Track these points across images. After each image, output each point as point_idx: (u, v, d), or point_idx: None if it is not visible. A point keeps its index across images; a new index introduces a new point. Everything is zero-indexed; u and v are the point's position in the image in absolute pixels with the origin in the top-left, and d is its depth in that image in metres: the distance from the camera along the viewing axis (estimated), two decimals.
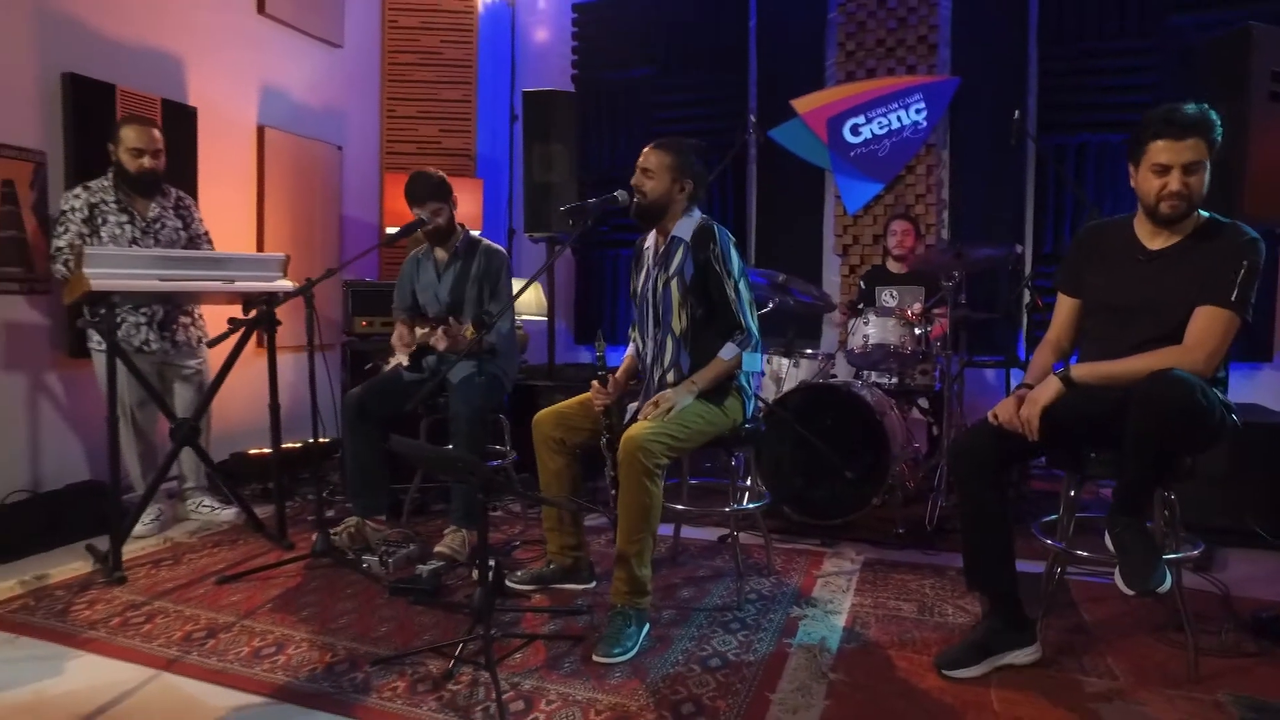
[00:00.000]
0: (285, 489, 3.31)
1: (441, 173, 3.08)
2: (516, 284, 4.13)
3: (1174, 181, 1.96)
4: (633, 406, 2.53)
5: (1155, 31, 4.35)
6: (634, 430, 2.19)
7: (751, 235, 5.26)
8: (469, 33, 5.19)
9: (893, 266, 4.37)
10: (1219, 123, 1.99)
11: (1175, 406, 1.76)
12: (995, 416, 2.04)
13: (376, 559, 2.73)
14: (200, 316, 3.38)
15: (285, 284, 2.93)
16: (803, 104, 4.97)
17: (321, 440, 2.95)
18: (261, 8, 4.22)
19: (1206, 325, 1.92)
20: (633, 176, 2.47)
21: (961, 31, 4.75)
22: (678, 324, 2.43)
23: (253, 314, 2.92)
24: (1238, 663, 2.09)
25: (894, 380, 3.78)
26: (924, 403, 4.07)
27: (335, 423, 3.14)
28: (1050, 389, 1.95)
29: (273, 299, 2.93)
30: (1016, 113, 3.54)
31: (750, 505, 2.63)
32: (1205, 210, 2.08)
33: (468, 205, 4.18)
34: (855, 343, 3.59)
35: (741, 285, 2.40)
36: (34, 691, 1.91)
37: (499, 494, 2.01)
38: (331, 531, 2.86)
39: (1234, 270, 1.94)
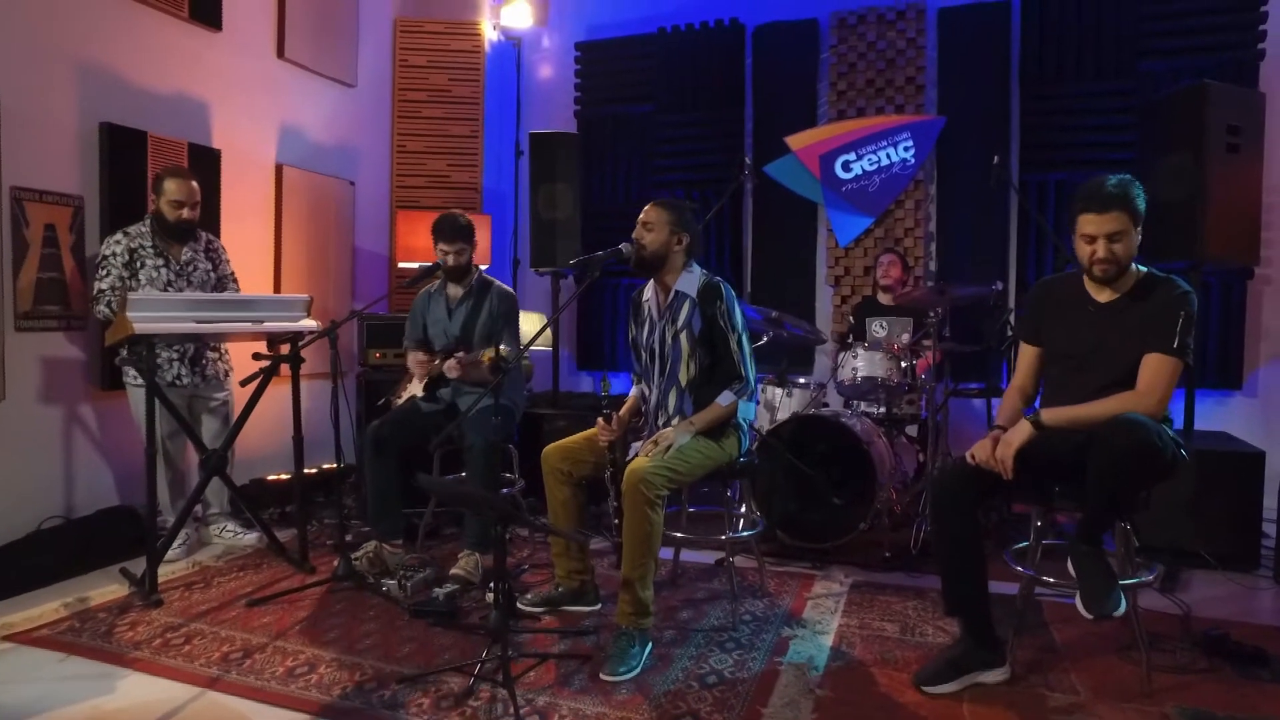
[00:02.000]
0: (306, 511, 3.50)
1: (467, 216, 3.31)
2: (528, 319, 4.36)
3: (1100, 249, 2.20)
4: (636, 445, 2.73)
5: (1129, 75, 4.59)
6: (636, 464, 2.39)
7: (748, 267, 5.47)
8: (476, 71, 5.43)
9: (883, 298, 4.58)
10: (1140, 194, 2.20)
11: (1134, 448, 1.98)
12: (973, 457, 2.24)
13: (395, 582, 2.92)
14: (226, 351, 3.59)
15: (309, 323, 3.13)
16: (796, 141, 5.20)
17: (340, 466, 3.14)
18: (281, 52, 4.44)
19: (1155, 371, 2.14)
20: (634, 230, 2.69)
21: (948, 73, 4.99)
22: (685, 374, 2.63)
23: (280, 350, 3.12)
24: (1188, 678, 2.28)
25: (882, 410, 3.98)
26: (912, 430, 4.27)
27: (352, 449, 3.33)
28: (1022, 432, 2.16)
29: (298, 338, 3.14)
30: (996, 158, 3.75)
31: (745, 533, 2.83)
32: (1144, 265, 2.31)
33: (477, 239, 4.39)
34: (845, 375, 3.79)
35: (744, 339, 2.62)
36: (92, 707, 2.09)
37: (514, 525, 2.19)
38: (352, 556, 3.05)
39: (1174, 321, 2.16)
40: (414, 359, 3.29)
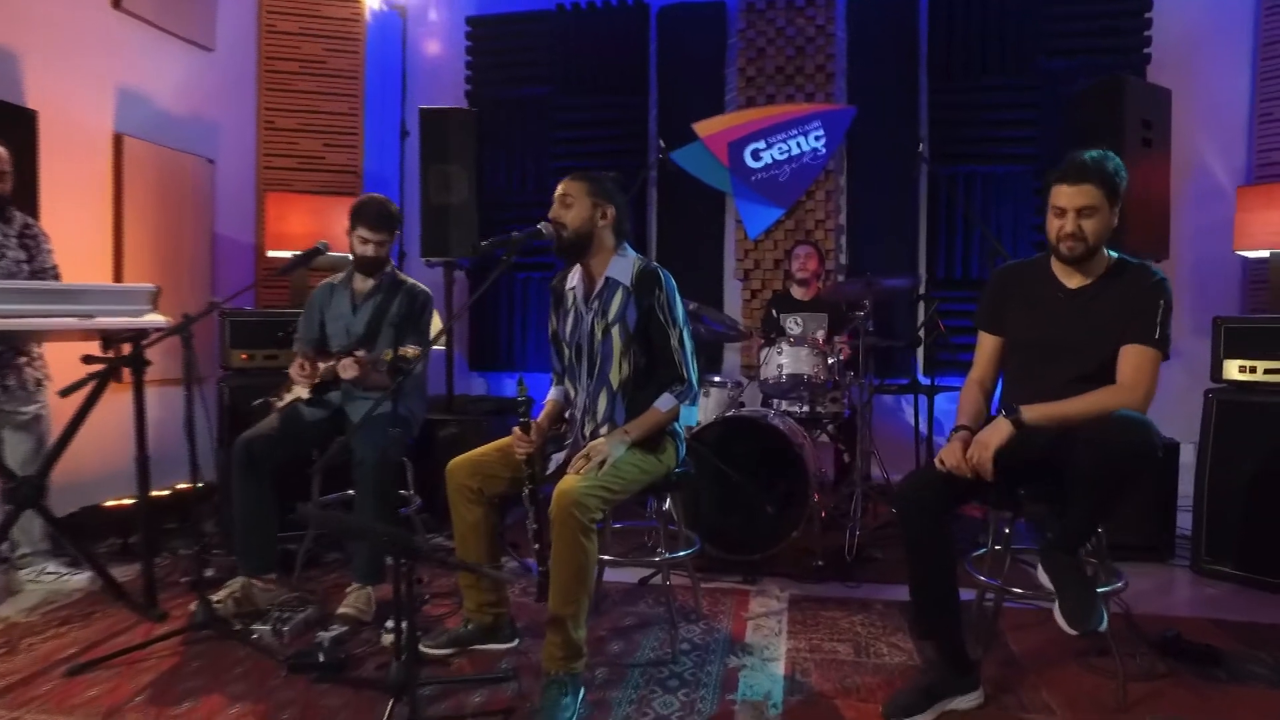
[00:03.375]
0: (153, 545, 2.92)
1: (395, 205, 2.91)
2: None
3: (1069, 223, 2.05)
4: (557, 456, 2.38)
5: (1031, 72, 4.63)
6: (566, 484, 2.04)
7: (652, 259, 5.19)
8: (355, 42, 4.88)
9: (797, 293, 4.41)
10: (1120, 170, 2.07)
11: (1134, 449, 1.80)
12: (942, 462, 2.03)
13: (269, 627, 2.44)
14: (40, 355, 2.96)
15: (156, 319, 2.58)
16: (704, 127, 4.97)
17: (198, 486, 2.61)
18: (117, 3, 3.78)
19: (1138, 364, 1.99)
20: (551, 209, 2.33)
21: (857, 62, 4.89)
22: (616, 374, 2.30)
23: (120, 351, 2.56)
24: (1155, 685, 2.16)
25: (805, 408, 3.79)
26: (830, 427, 4.11)
27: (211, 465, 2.81)
28: (1000, 432, 1.95)
29: (141, 336, 2.59)
30: (921, 145, 3.64)
31: (682, 552, 2.52)
32: (1114, 251, 2.18)
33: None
34: (769, 372, 3.57)
35: (685, 334, 2.31)
36: None
37: (420, 561, 1.81)
38: (213, 598, 2.53)
39: (1153, 310, 2.02)
40: (296, 367, 2.80)
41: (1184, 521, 3.31)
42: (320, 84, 4.82)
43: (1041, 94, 4.60)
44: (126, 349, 2.58)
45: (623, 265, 2.34)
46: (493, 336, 5.36)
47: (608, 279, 2.33)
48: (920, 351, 4.73)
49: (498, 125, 5.21)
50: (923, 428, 3.94)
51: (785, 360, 3.53)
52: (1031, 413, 1.97)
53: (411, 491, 3.03)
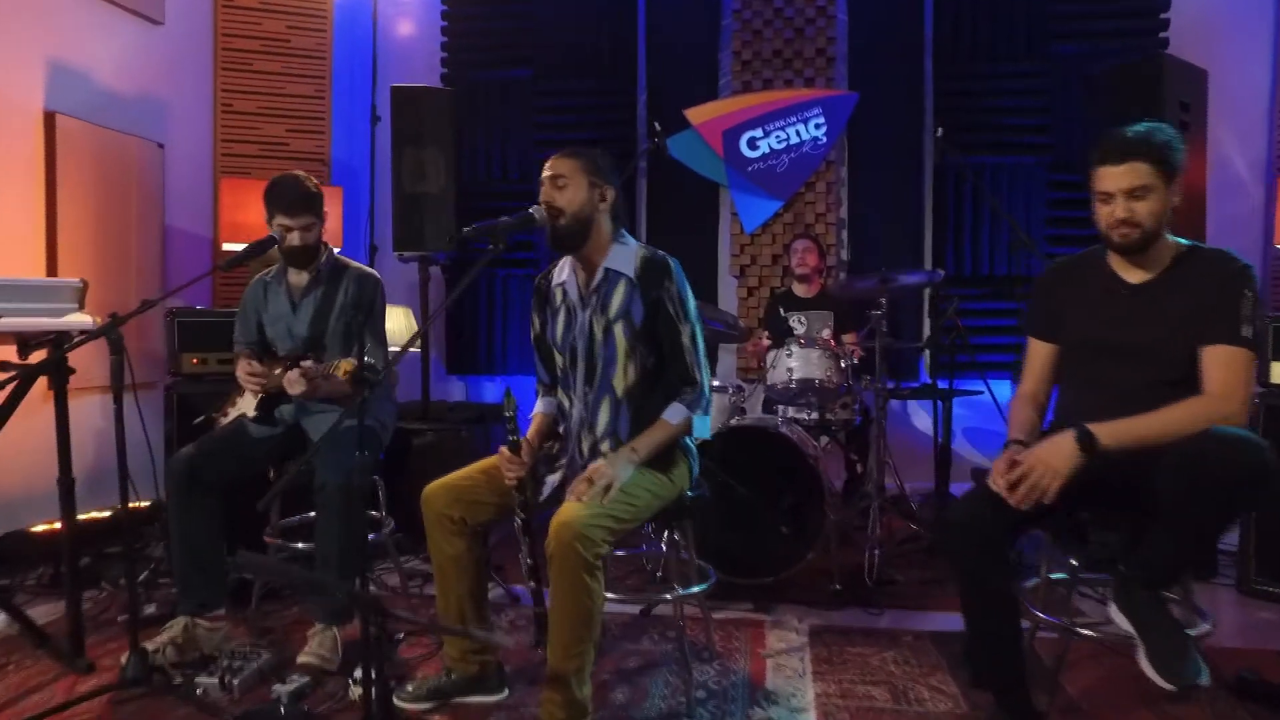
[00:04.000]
0: (79, 578, 2.53)
1: (315, 180, 2.50)
2: (392, 314, 3.54)
3: (1118, 209, 1.77)
4: (552, 479, 2.05)
5: (1042, 56, 4.38)
6: (566, 514, 1.72)
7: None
8: (322, 20, 4.51)
9: (799, 290, 4.13)
10: (1174, 142, 1.79)
11: (1241, 470, 1.51)
12: (995, 483, 1.74)
13: (216, 680, 2.09)
14: None
15: (81, 319, 2.22)
16: (697, 114, 4.66)
17: (128, 507, 2.24)
18: None
19: (1227, 368, 1.71)
20: (541, 192, 2.01)
21: (858, 46, 4.61)
22: (621, 380, 1.98)
23: (34, 359, 2.20)
24: None
25: (813, 415, 3.50)
26: (839, 434, 3.82)
27: (155, 485, 2.46)
28: (1068, 456, 1.65)
29: (62, 340, 2.22)
30: (940, 130, 3.36)
31: (697, 588, 2.21)
32: (1183, 239, 1.90)
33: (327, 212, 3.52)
34: (778, 377, 3.27)
35: (697, 332, 2.00)
36: None
37: (389, 621, 1.49)
38: (148, 646, 2.16)
39: (1235, 303, 1.74)
40: (244, 369, 2.44)
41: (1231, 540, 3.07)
42: (283, 64, 4.44)
43: (1053, 80, 4.36)
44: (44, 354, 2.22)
45: (624, 254, 2.02)
46: (471, 337, 5.01)
47: (607, 270, 2.01)
48: (926, 353, 4.47)
49: (476, 110, 4.86)
50: (934, 432, 3.66)
51: (795, 363, 3.23)
52: (1106, 434, 1.66)
53: (383, 514, 2.69)
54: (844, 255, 4.67)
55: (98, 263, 3.55)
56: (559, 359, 2.09)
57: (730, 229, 4.76)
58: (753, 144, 4.62)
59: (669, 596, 2.15)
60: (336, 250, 2.66)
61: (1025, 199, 4.42)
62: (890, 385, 3.62)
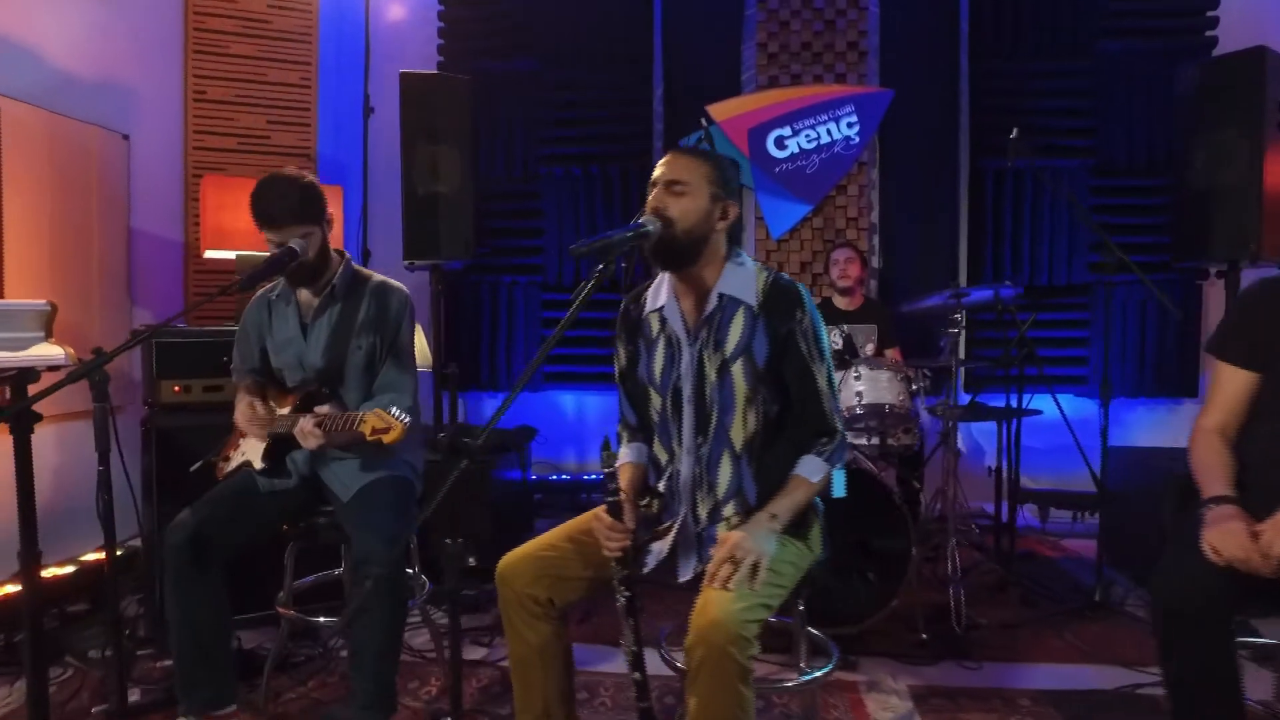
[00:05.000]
0: (43, 654, 2.07)
1: (310, 177, 2.06)
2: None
3: None
4: (658, 548, 1.69)
5: (1086, 54, 4.15)
6: (717, 609, 1.36)
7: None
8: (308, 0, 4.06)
9: (839, 302, 3.83)
10: None
11: None
12: (1217, 552, 1.44)
13: None
14: None
15: (49, 352, 1.79)
16: (721, 110, 4.32)
17: (114, 558, 1.82)
18: None
19: None
20: (651, 196, 1.65)
21: (890, 40, 4.32)
22: (739, 430, 1.64)
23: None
24: None
25: (874, 440, 3.19)
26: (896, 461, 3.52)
27: (135, 524, 2.03)
28: None
29: (26, 378, 1.79)
30: (1015, 130, 3.07)
31: (827, 667, 1.86)
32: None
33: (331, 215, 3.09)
34: (845, 401, 2.95)
35: (831, 373, 1.66)
36: None
37: None
38: None
39: None
40: (245, 414, 2.02)
41: None
42: (263, 48, 3.98)
43: (1100, 79, 4.13)
44: None
45: (742, 278, 1.67)
46: (471, 351, 4.59)
47: (722, 296, 1.65)
48: (960, 371, 4.21)
49: (478, 103, 4.43)
50: (999, 455, 3.39)
51: (864, 387, 2.92)
52: None
53: (415, 569, 2.29)
54: (876, 263, 4.38)
55: (49, 271, 3.07)
56: (656, 400, 1.73)
57: (755, 234, 4.43)
58: (780, 143, 4.29)
59: (802, 679, 1.80)
60: (348, 258, 2.22)
61: (1068, 205, 4.19)
62: (965, 404, 3.33)
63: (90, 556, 2.82)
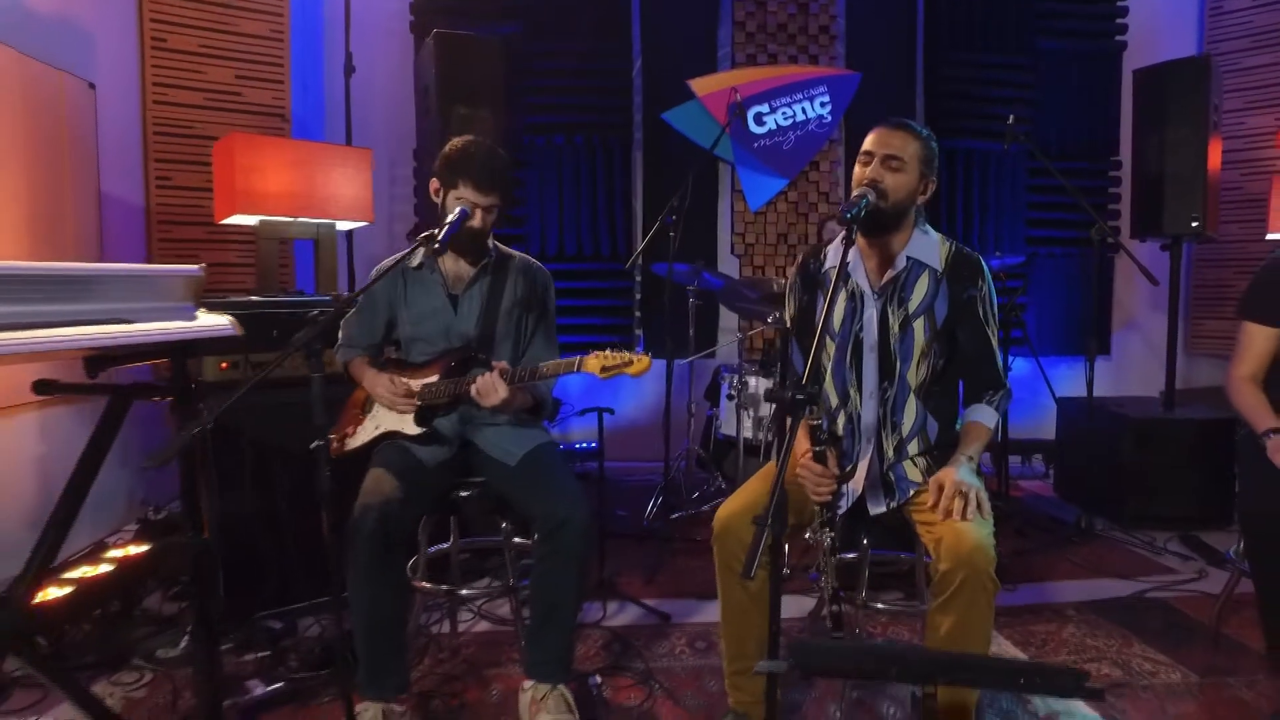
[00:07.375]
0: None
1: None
2: None
3: None
4: (851, 487, 1.83)
5: (1029, 50, 4.59)
6: (973, 536, 1.56)
7: (638, 232, 4.60)
8: None
9: None
10: None
11: None
12: None
13: None
14: None
15: (219, 321, 1.64)
16: (702, 85, 4.43)
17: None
18: None
19: None
20: (864, 167, 1.78)
21: (855, 25, 4.59)
22: (914, 377, 1.83)
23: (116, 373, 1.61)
24: None
25: None
26: None
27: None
28: None
29: (184, 351, 1.64)
30: (1011, 117, 3.40)
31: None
32: None
33: (355, 187, 2.92)
34: None
35: (998, 334, 1.88)
36: None
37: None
38: None
39: None
40: (388, 388, 1.97)
41: None
42: None
43: (1040, 74, 4.59)
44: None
45: (927, 245, 1.83)
46: None
47: (910, 260, 1.81)
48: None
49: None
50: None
51: None
52: None
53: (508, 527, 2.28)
54: None
55: (34, 237, 2.72)
56: (830, 347, 1.87)
57: (733, 205, 4.59)
58: (759, 119, 4.47)
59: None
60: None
61: (1011, 185, 4.65)
62: None
63: (115, 554, 2.57)
